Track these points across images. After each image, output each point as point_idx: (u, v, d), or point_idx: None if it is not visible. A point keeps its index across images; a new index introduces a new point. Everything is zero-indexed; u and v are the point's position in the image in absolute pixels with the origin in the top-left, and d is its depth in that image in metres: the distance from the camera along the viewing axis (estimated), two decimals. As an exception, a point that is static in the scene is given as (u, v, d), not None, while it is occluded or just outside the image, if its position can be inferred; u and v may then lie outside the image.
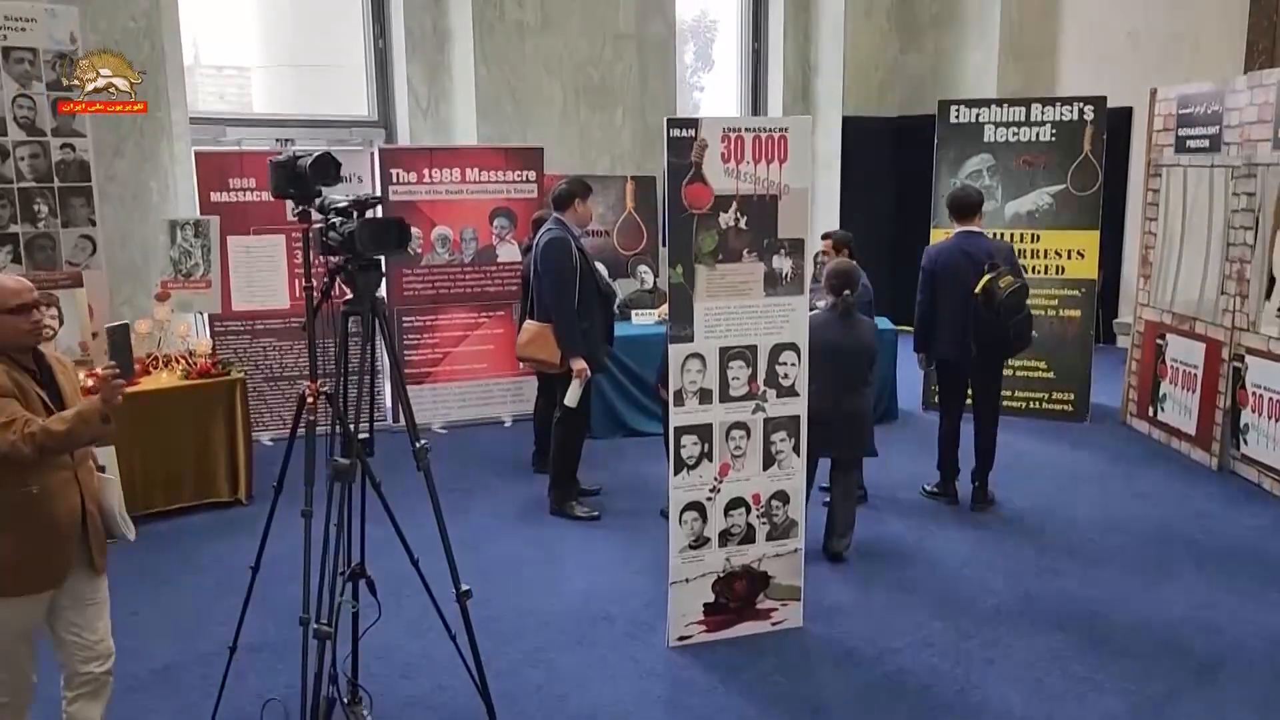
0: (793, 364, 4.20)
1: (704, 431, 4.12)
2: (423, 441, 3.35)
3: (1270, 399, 6.01)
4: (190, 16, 7.66)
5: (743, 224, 4.05)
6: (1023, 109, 7.78)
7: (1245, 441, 6.29)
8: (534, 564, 5.19)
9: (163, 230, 6.66)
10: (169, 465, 5.77)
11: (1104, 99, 7.66)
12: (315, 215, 3.24)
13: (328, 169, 3.03)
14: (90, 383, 2.94)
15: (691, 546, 4.21)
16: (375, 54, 8.86)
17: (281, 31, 9.20)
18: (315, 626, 3.09)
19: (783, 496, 4.30)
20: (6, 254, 6.47)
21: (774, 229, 4.10)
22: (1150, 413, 7.31)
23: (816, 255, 8.83)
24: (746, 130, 4.00)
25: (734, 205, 4.02)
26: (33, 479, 2.88)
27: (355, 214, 3.15)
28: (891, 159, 11.34)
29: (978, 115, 7.87)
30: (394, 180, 7.33)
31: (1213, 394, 6.53)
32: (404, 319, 7.47)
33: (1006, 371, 7.64)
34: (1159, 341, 7.21)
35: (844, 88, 11.13)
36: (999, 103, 7.91)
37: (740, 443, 4.19)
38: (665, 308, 7.91)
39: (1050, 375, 7.76)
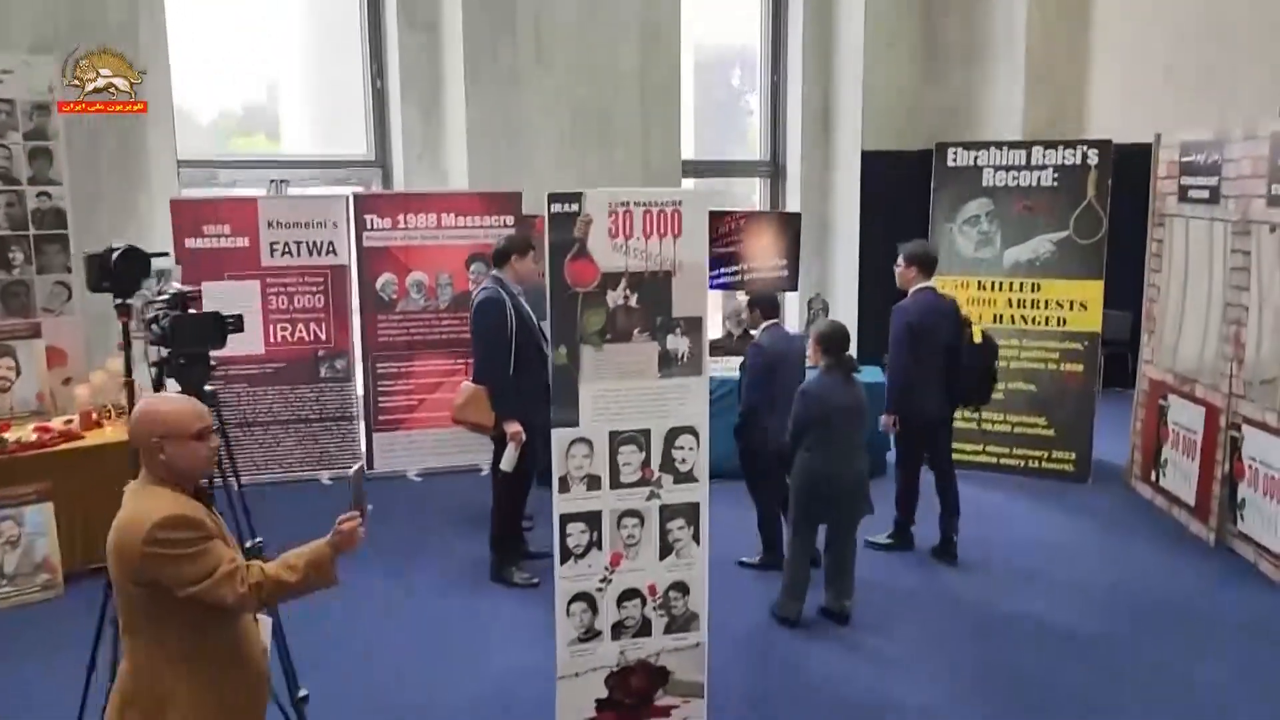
0: (690, 448, 3.97)
1: (592, 519, 3.91)
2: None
3: (1267, 475, 5.56)
4: (181, 57, 7.70)
5: (633, 302, 3.83)
6: (1024, 152, 7.41)
7: (1242, 517, 5.83)
8: (457, 637, 5.03)
9: (126, 280, 6.68)
10: (111, 520, 5.74)
11: (1109, 142, 7.25)
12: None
13: (133, 263, 2.91)
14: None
15: (581, 639, 3.99)
16: (373, 95, 8.85)
17: (282, 71, 9.26)
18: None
19: (682, 587, 4.06)
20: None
21: (668, 307, 3.88)
22: (1152, 477, 6.86)
23: (811, 300, 8.59)
24: (636, 204, 3.80)
25: (623, 283, 3.82)
26: (236, 619, 2.62)
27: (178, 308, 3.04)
28: (913, 195, 10.93)
29: (976, 158, 7.53)
30: (369, 226, 7.28)
31: (1211, 463, 6.09)
32: (378, 365, 7.41)
33: (1004, 428, 7.36)
34: (1161, 402, 6.76)
35: (864, 121, 10.79)
36: (999, 145, 7.55)
37: (633, 531, 3.97)
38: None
39: (1050, 433, 7.35)
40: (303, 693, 3.24)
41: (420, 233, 7.36)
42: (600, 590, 3.97)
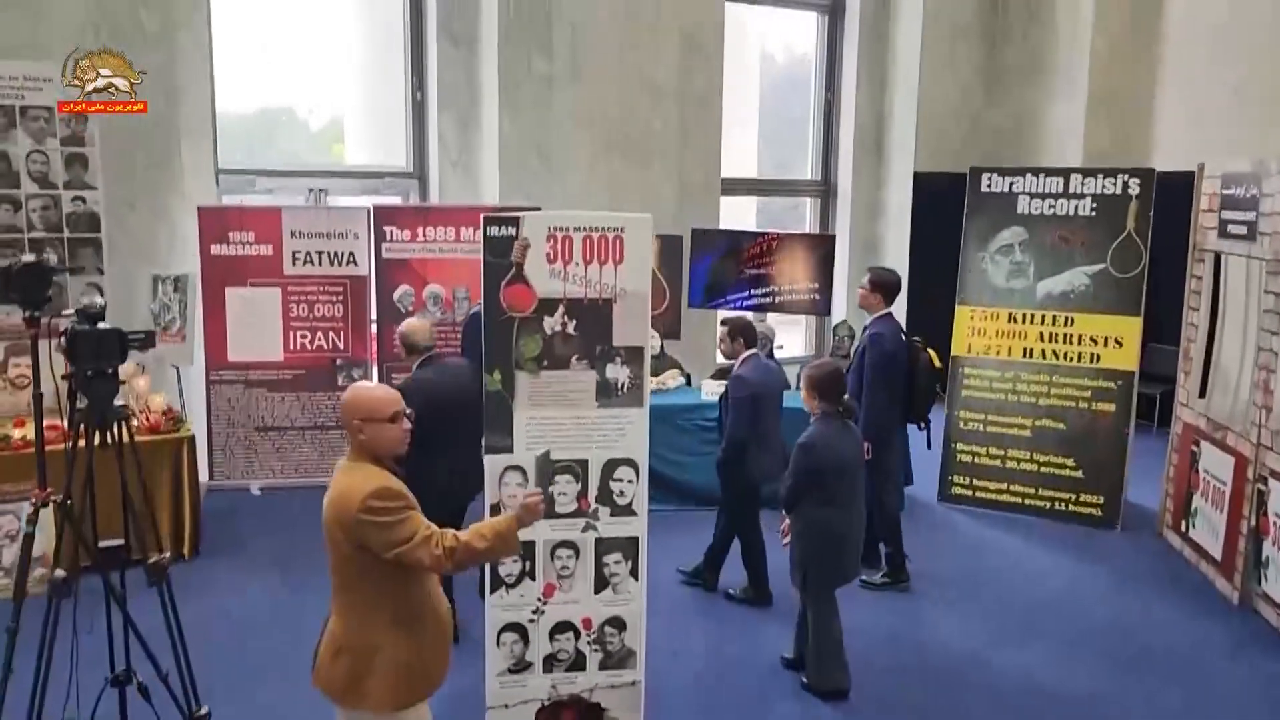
0: (629, 480, 3.86)
1: (525, 548, 3.82)
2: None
3: (1291, 532, 5.18)
4: (226, 67, 7.89)
5: (570, 329, 3.75)
6: (1061, 179, 7.08)
7: (1266, 576, 5.44)
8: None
9: (145, 283, 6.86)
10: (112, 518, 5.87)
11: (1152, 171, 6.89)
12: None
13: (37, 276, 2.95)
14: None
15: (511, 670, 3.91)
16: (413, 106, 8.95)
17: (329, 81, 9.42)
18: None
19: (618, 623, 3.95)
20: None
21: (608, 335, 3.78)
22: (1182, 527, 6.46)
23: (837, 327, 8.35)
24: (576, 229, 3.71)
25: (560, 309, 3.74)
26: (426, 582, 2.99)
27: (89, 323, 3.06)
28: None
29: (1011, 184, 7.21)
30: (387, 238, 7.34)
31: (1238, 517, 5.70)
32: (393, 375, 7.44)
33: (1031, 467, 7.05)
34: (1194, 448, 6.36)
35: (918, 141, 10.51)
36: (1035, 171, 7.22)
37: (568, 563, 3.88)
38: (666, 375, 7.68)
39: (1079, 475, 6.98)
40: (204, 710, 3.23)
41: (438, 245, 7.40)
42: (533, 621, 3.89)
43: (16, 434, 5.73)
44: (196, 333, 7.12)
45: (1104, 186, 6.94)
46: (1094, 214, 6.94)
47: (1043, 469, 7.06)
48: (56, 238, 6.93)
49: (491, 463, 3.76)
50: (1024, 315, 7.15)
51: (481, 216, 3.72)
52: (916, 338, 5.99)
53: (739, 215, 12.11)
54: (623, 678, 3.99)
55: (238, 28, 8.12)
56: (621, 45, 8.88)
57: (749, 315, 8.36)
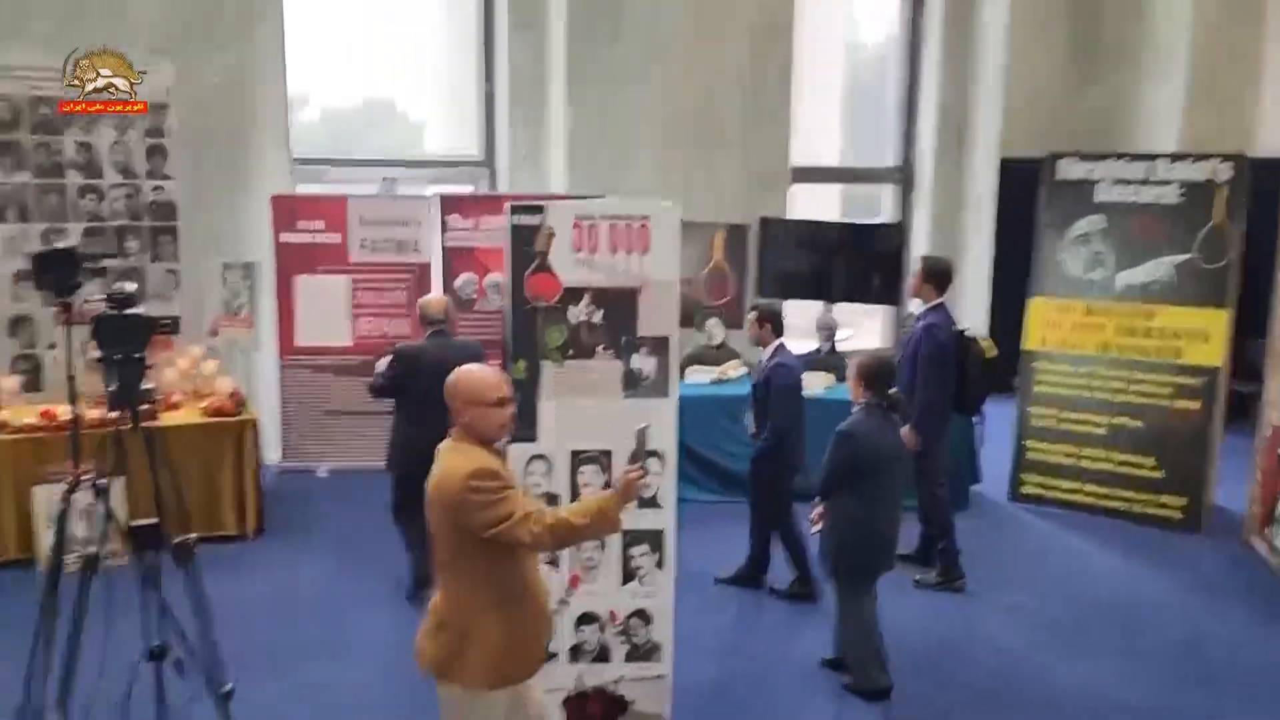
0: (655, 472, 3.80)
1: (549, 538, 3.81)
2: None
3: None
4: (300, 58, 8.07)
5: (596, 319, 3.71)
6: (1145, 165, 6.74)
7: (1354, 590, 5.10)
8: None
9: (215, 270, 7.07)
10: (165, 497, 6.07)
11: (1243, 156, 6.51)
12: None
13: (68, 263, 3.04)
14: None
15: (536, 659, 3.90)
16: (484, 96, 9.01)
17: (404, 71, 9.54)
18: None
19: (644, 616, 3.91)
20: (100, 286, 7.10)
21: (633, 325, 3.73)
22: (1267, 534, 6.11)
23: (906, 319, 8.09)
24: (602, 218, 3.67)
25: (586, 298, 3.70)
26: (525, 562, 3.01)
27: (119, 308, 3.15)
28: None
29: (1091, 170, 6.90)
30: (448, 227, 7.41)
31: (1326, 525, 5.36)
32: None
33: (1107, 466, 6.76)
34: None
35: (1004, 126, 10.14)
36: (1116, 157, 6.89)
37: (593, 554, 3.86)
38: (727, 366, 7.59)
39: (1159, 475, 6.65)
40: (228, 687, 3.30)
41: (501, 234, 7.41)
42: (557, 611, 3.87)
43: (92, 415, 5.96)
44: (268, 319, 7.31)
45: (1191, 173, 6.58)
46: (1181, 201, 6.59)
47: (1119, 468, 6.75)
48: (138, 225, 7.19)
49: (517, 451, 3.75)
50: (1102, 308, 6.84)
51: (507, 205, 3.70)
52: (967, 327, 5.78)
53: (821, 205, 11.91)
54: (649, 671, 3.95)
55: (316, 21, 8.30)
56: (692, 32, 8.76)
57: (822, 306, 8.22)
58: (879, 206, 11.09)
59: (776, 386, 5.22)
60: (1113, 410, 6.76)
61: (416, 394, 4.96)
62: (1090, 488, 6.85)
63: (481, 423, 2.95)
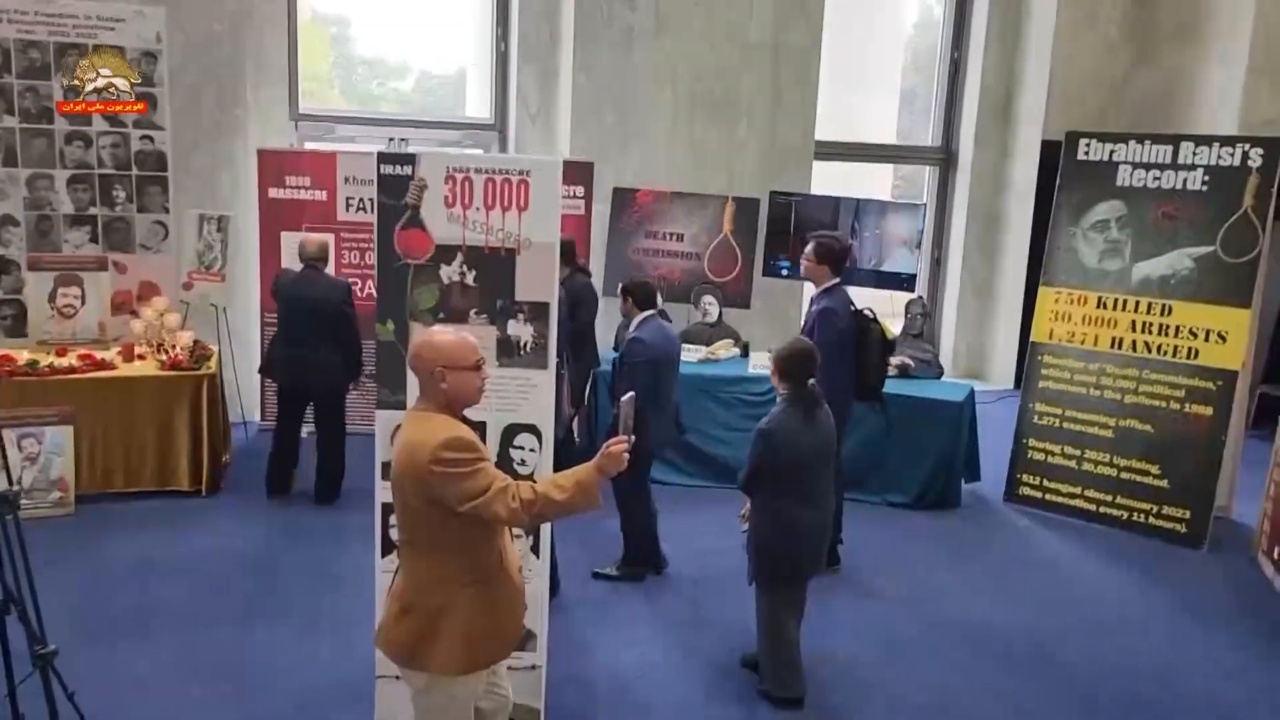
0: (532, 449, 3.55)
1: (417, 513, 3.58)
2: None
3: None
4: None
5: (469, 280, 3.45)
6: (1169, 148, 6.19)
7: (1350, 623, 4.58)
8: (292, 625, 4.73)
9: (191, 222, 6.98)
10: (130, 450, 6.04)
11: (1277, 141, 5.90)
12: None
13: None
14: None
15: (401, 639, 3.68)
16: (497, 57, 8.78)
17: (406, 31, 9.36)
18: None
19: (516, 602, 3.65)
20: (85, 234, 7.10)
21: (510, 289, 3.46)
22: (1274, 553, 5.57)
23: (910, 304, 7.65)
24: (476, 171, 3.40)
25: (459, 257, 3.44)
26: (499, 537, 2.84)
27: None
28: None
29: (1112, 152, 6.37)
30: (434, 188, 7.21)
31: (1329, 549, 4.83)
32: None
33: (1109, 471, 6.29)
34: (1294, 465, 5.46)
35: (1050, 106, 9.54)
36: (1140, 138, 6.34)
37: (463, 533, 3.60)
38: (717, 345, 7.26)
39: (1163, 484, 6.14)
40: (50, 648, 3.15)
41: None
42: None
43: (44, 362, 5.94)
44: (250, 272, 7.22)
45: (1219, 157, 6.02)
46: (1205, 188, 6.04)
47: (1123, 475, 6.26)
48: (126, 175, 7.14)
49: (383, 419, 3.53)
50: (1115, 301, 6.33)
51: (376, 154, 3.46)
52: (866, 309, 5.31)
53: (873, 183, 11.41)
54: (521, 661, 3.69)
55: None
56: (713, -2, 8.40)
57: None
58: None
59: (628, 363, 4.95)
60: (1121, 412, 6.26)
61: (281, 315, 6.08)
62: (1090, 493, 6.37)
63: (463, 386, 2.76)
